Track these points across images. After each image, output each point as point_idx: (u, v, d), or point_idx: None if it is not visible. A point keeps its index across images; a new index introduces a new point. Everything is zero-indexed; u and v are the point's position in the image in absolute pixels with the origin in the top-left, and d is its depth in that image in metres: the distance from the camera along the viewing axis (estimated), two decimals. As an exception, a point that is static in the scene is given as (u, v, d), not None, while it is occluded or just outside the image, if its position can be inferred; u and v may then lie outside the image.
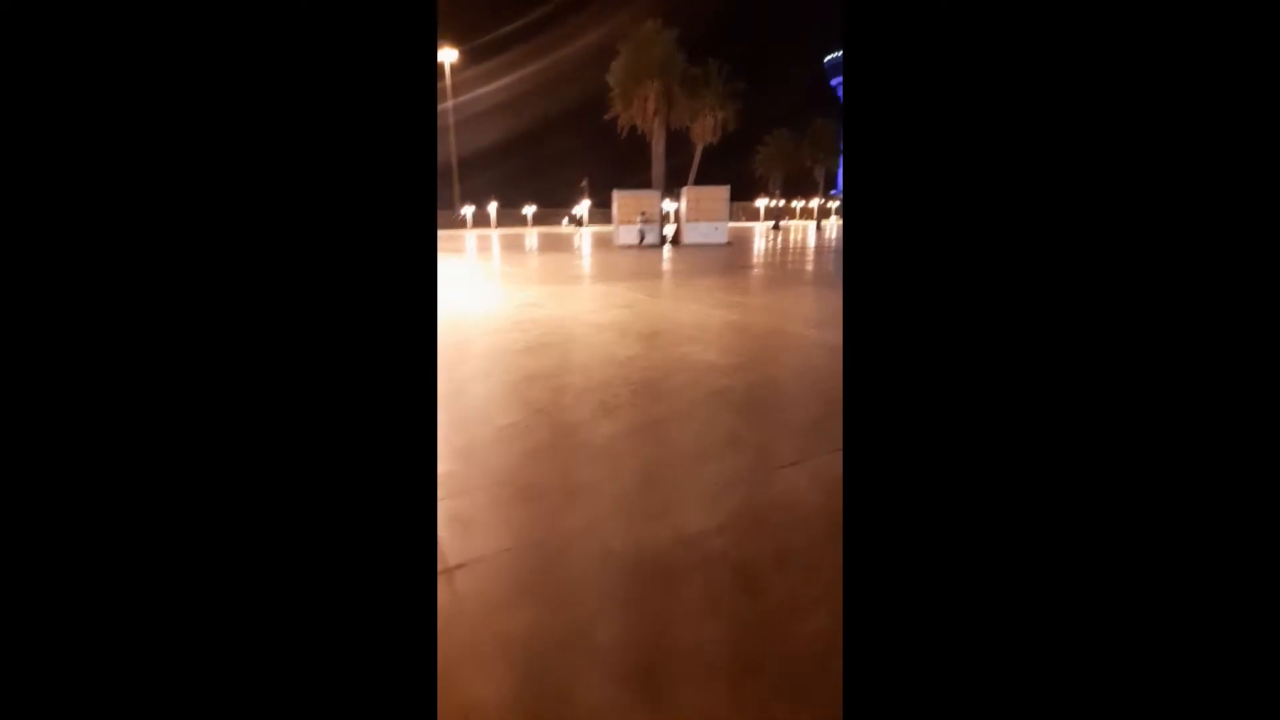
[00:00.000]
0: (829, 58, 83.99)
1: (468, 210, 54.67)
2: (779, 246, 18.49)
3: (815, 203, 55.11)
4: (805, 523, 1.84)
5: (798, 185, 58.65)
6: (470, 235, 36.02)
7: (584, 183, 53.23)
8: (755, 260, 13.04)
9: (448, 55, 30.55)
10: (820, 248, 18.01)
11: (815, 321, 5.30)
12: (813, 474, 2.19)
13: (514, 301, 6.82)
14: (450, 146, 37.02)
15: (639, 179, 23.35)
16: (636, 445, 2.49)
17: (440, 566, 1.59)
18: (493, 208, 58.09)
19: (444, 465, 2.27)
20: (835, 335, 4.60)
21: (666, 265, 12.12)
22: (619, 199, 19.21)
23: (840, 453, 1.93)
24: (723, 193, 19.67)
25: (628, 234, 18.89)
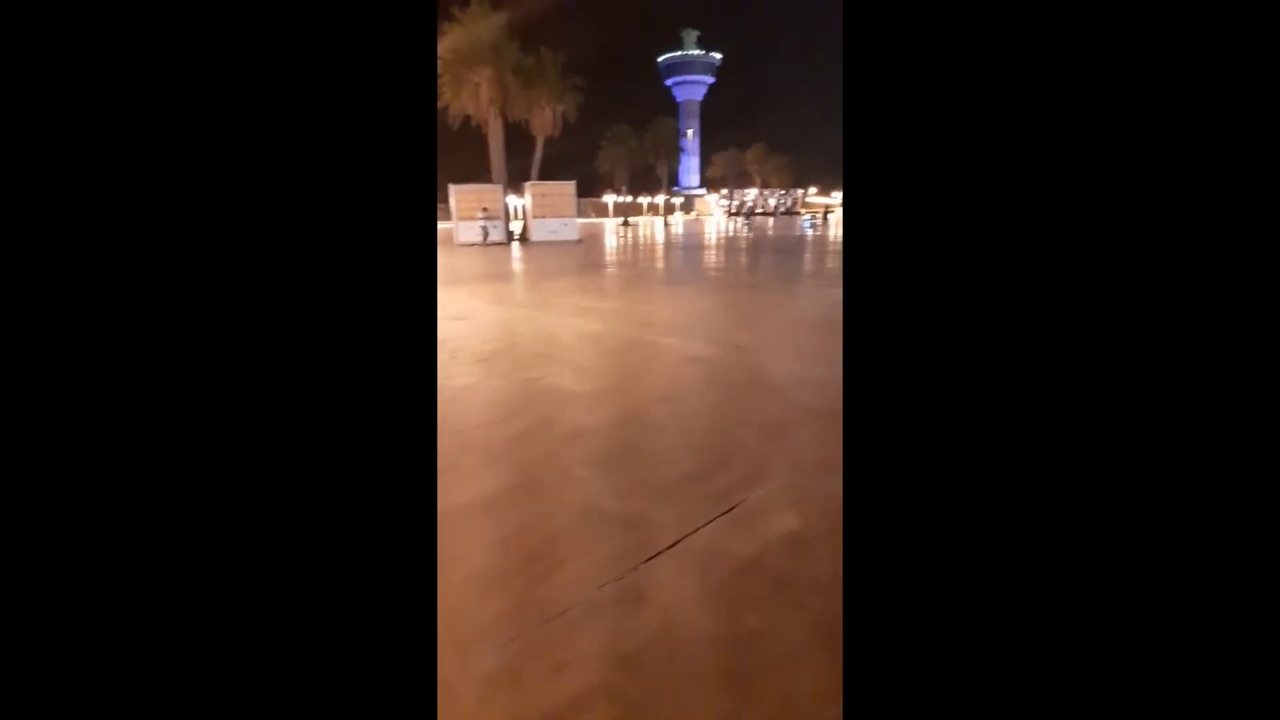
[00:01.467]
0: (662, 58, 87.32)
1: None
2: (630, 243, 18.29)
3: (661, 199, 56.77)
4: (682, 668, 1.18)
5: (643, 182, 60.14)
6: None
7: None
8: (608, 258, 12.56)
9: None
10: (670, 243, 18.12)
11: (678, 328, 4.83)
12: (698, 559, 1.56)
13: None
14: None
15: (476, 174, 21.85)
16: (450, 556, 1.67)
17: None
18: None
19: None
20: (703, 345, 4.14)
21: (515, 265, 11.24)
22: (457, 194, 17.67)
23: (729, 517, 1.73)
24: (569, 188, 19.04)
25: (469, 231, 17.55)
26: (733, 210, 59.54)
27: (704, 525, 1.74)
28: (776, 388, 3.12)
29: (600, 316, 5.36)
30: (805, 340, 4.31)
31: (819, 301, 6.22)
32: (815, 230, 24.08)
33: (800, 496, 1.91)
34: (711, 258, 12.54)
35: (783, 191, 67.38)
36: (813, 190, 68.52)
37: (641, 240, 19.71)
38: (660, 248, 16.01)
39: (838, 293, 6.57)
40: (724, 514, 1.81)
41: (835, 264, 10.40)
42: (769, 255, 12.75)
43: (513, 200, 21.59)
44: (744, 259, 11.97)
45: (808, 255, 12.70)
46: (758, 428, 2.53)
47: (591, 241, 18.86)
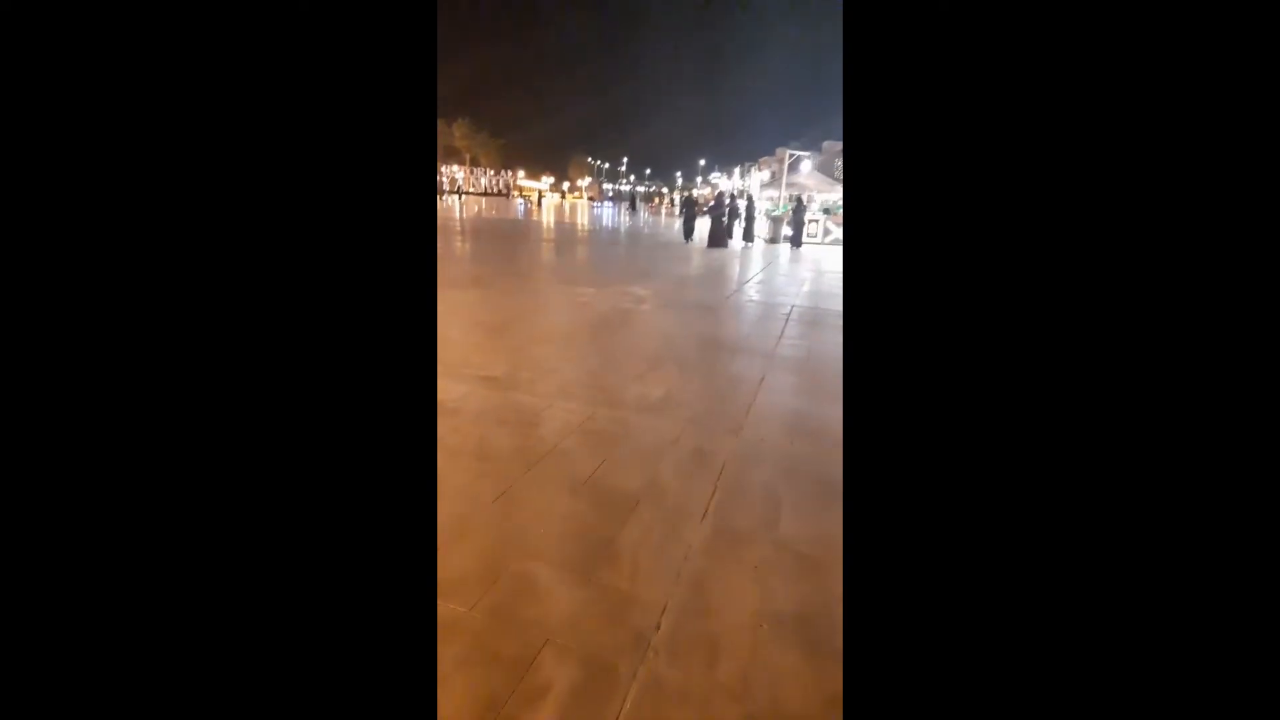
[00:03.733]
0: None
1: None
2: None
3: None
4: None
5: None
6: None
7: None
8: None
9: None
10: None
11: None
12: None
13: None
14: None
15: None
16: None
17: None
18: None
19: None
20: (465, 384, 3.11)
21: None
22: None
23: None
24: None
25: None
26: (444, 188, 55.79)
27: None
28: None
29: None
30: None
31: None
32: (530, 215, 23.75)
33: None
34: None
35: (493, 172, 65.95)
36: (521, 174, 68.76)
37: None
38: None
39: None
40: None
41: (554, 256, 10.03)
42: (495, 244, 11.76)
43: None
44: (477, 248, 10.75)
45: (544, 246, 12.12)
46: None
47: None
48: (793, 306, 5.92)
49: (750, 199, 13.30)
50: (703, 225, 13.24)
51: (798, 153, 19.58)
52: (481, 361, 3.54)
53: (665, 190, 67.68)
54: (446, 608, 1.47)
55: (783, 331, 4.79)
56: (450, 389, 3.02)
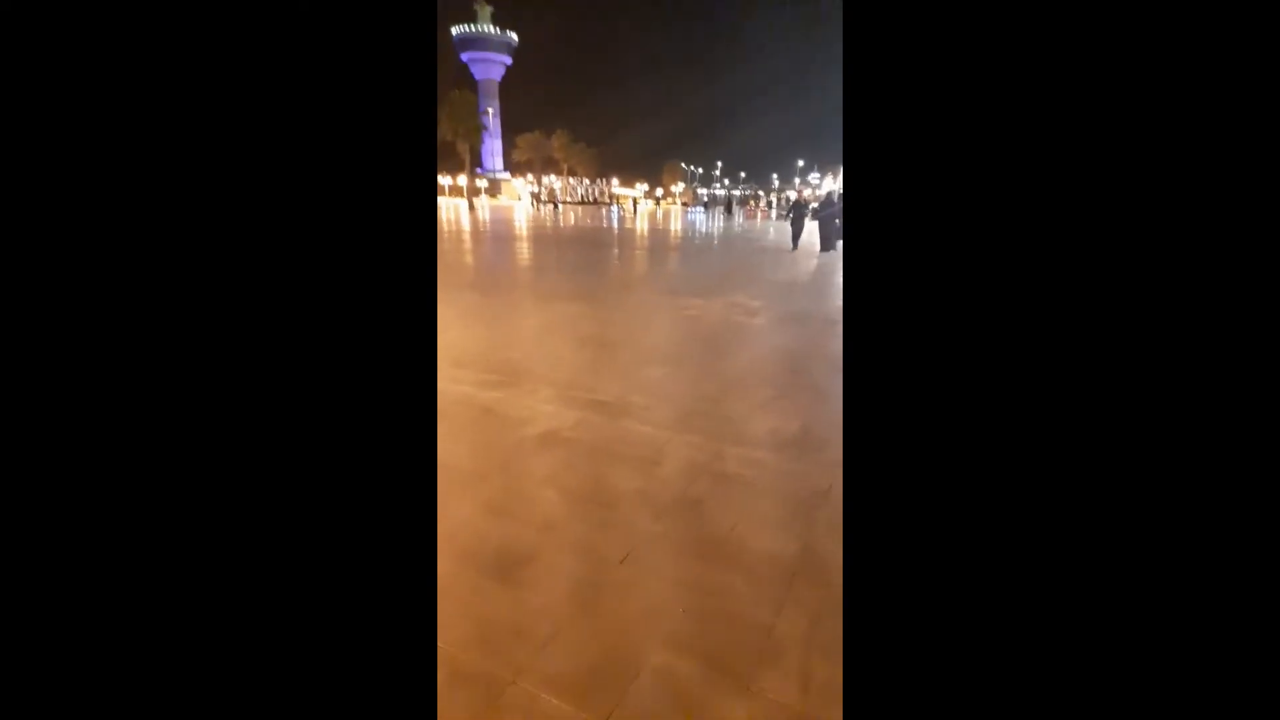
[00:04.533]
0: (455, 30, 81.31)
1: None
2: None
3: (463, 180, 52.69)
4: None
5: (443, 162, 55.30)
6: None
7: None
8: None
9: None
10: (479, 233, 16.14)
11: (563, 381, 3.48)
12: None
13: None
14: None
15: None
16: None
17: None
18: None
19: None
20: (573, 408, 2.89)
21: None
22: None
23: None
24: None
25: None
26: (543, 198, 58.04)
27: None
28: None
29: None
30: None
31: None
32: (625, 223, 23.86)
33: None
34: (524, 261, 11.14)
35: (589, 181, 67.69)
36: (615, 181, 69.96)
37: (444, 228, 17.30)
38: (467, 238, 14.04)
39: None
40: None
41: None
42: (585, 251, 11.77)
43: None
44: (559, 256, 10.81)
45: (640, 255, 11.99)
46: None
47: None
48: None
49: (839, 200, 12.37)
50: (811, 227, 12.18)
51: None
52: (591, 383, 3.33)
53: (761, 193, 66.14)
54: (579, 718, 1.19)
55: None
56: (563, 415, 2.81)
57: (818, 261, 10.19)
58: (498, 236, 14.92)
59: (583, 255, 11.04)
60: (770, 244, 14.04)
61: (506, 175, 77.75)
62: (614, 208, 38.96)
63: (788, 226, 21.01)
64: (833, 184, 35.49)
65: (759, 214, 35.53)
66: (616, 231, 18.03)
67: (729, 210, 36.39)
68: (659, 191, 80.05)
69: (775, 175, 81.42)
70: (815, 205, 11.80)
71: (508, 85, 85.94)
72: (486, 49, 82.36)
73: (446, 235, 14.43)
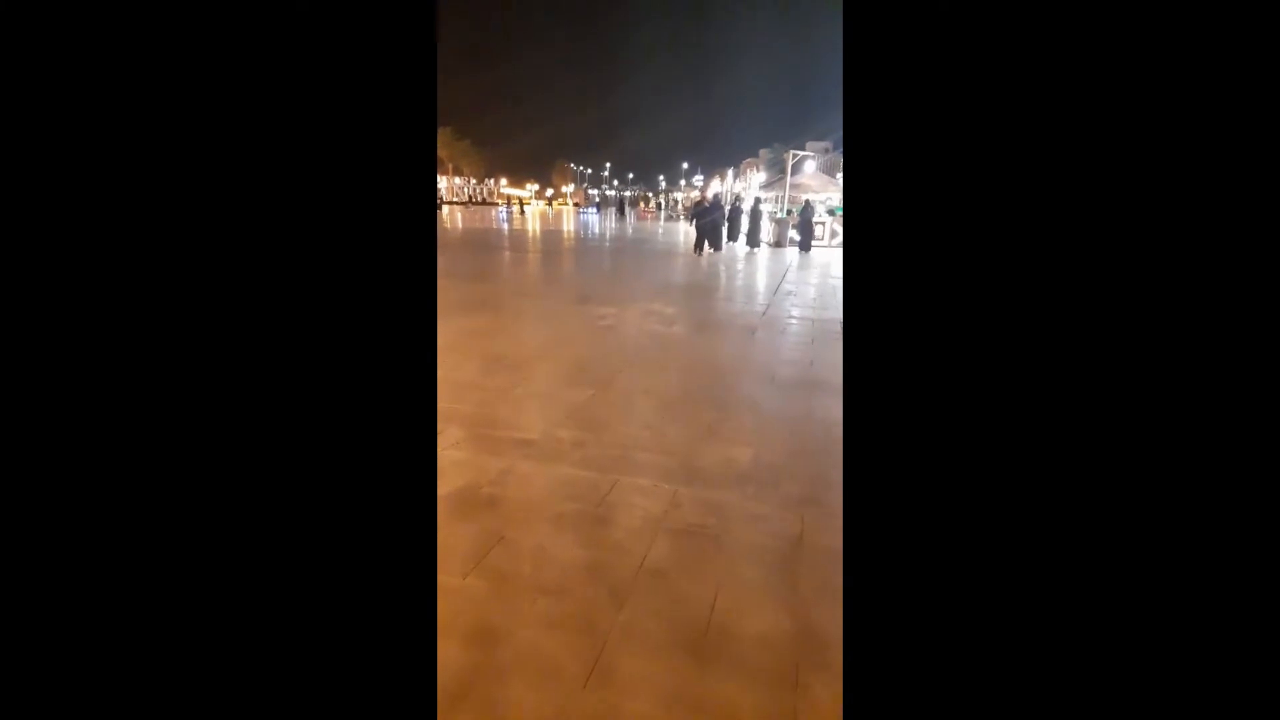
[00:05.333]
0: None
1: None
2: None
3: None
4: None
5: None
6: None
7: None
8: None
9: None
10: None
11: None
12: None
13: None
14: None
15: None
16: None
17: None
18: None
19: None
20: (490, 449, 2.42)
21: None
22: None
23: None
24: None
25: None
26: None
27: None
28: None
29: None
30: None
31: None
32: (515, 224, 22.96)
33: None
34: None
35: (475, 181, 65.14)
36: (504, 181, 67.83)
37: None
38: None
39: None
40: None
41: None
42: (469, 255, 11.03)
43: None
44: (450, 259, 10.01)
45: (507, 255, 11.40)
46: None
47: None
48: (842, 320, 5.31)
49: (757, 201, 12.65)
50: (702, 228, 12.24)
51: (800, 153, 18.98)
52: (508, 417, 2.86)
53: (650, 194, 67.02)
54: None
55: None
56: (478, 466, 2.34)
57: (716, 265, 10.25)
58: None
59: (477, 260, 10.27)
60: (667, 245, 14.04)
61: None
62: (503, 209, 37.50)
63: (678, 227, 21.26)
64: (719, 186, 36.70)
65: (649, 215, 35.95)
66: (507, 233, 17.18)
67: (622, 211, 36.41)
68: (549, 192, 78.73)
69: (662, 177, 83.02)
70: (708, 205, 11.75)
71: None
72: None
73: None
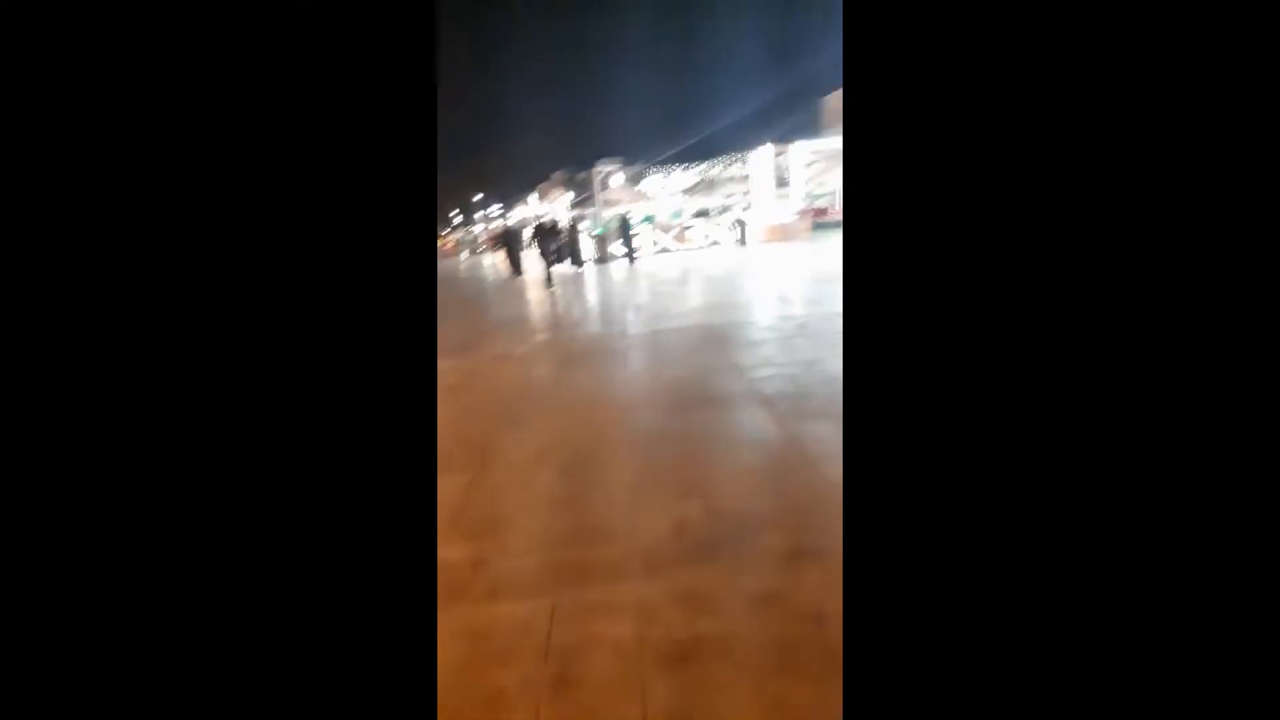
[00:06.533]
0: None
1: None
2: None
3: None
4: None
5: None
6: None
7: None
8: None
9: None
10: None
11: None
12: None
13: None
14: None
15: None
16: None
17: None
18: None
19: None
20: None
21: None
22: None
23: None
24: None
25: None
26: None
27: None
28: None
29: None
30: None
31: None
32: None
33: None
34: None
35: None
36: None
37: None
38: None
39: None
40: None
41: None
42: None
43: None
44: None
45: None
46: None
47: None
48: (696, 325, 5.12)
49: (574, 221, 12.45)
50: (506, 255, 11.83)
51: (607, 169, 19.36)
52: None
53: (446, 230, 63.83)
54: None
55: (749, 363, 3.91)
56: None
57: (542, 288, 9.74)
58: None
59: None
60: (486, 274, 13.18)
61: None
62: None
63: (484, 260, 20.90)
64: (526, 211, 36.36)
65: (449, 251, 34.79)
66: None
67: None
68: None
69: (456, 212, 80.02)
70: (548, 228, 11.29)
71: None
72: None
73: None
